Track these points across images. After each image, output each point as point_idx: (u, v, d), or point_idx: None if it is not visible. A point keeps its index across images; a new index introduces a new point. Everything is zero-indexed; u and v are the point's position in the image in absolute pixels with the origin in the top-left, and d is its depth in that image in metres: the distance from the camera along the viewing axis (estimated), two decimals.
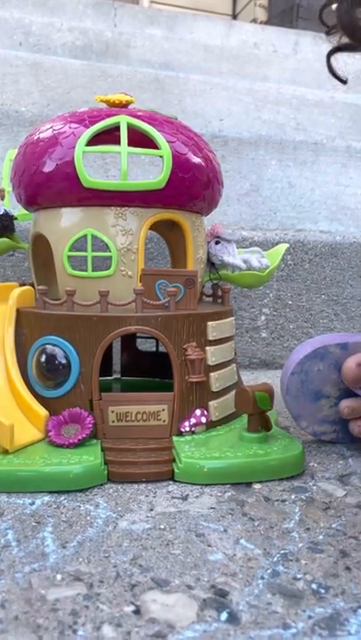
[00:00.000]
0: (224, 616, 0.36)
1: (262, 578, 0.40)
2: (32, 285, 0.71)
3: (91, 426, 0.59)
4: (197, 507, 0.50)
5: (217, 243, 0.74)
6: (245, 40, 2.24)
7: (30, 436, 0.59)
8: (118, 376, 0.85)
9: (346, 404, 0.63)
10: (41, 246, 0.70)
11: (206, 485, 0.55)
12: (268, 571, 0.41)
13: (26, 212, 0.74)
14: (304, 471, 0.59)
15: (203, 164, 0.67)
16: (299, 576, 0.41)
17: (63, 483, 0.53)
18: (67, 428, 0.59)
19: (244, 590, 0.39)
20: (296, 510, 0.51)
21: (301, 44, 2.32)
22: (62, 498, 0.51)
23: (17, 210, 0.75)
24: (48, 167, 0.64)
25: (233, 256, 0.74)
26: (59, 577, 0.39)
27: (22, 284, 0.70)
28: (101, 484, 0.54)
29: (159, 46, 1.86)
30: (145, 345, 0.86)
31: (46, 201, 0.67)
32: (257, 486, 0.55)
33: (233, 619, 0.36)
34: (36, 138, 0.66)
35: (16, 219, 0.74)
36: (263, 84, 1.80)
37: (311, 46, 2.28)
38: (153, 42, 1.86)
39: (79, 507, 0.50)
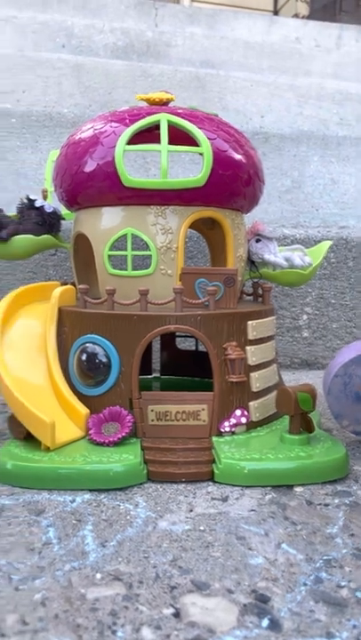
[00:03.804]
0: (265, 622, 0.35)
1: (305, 584, 0.39)
2: (73, 284, 0.72)
3: (130, 424, 0.59)
4: (238, 509, 0.50)
5: (257, 240, 0.73)
6: (287, 35, 2.20)
7: (71, 434, 0.59)
8: (158, 375, 0.84)
9: None
10: (82, 245, 0.70)
11: (246, 487, 0.54)
12: (311, 577, 0.40)
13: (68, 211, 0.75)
14: (348, 474, 0.57)
15: (244, 160, 0.66)
16: (343, 583, 0.39)
17: (103, 481, 0.53)
18: (107, 426, 0.59)
19: (286, 596, 0.38)
20: (340, 515, 0.49)
21: (344, 38, 2.26)
22: (102, 496, 0.52)
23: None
24: (89, 167, 0.64)
25: (274, 254, 0.73)
26: (98, 576, 0.39)
27: (64, 283, 0.71)
28: (141, 484, 0.54)
29: (200, 44, 1.85)
30: (184, 343, 0.86)
31: (87, 200, 0.67)
32: (299, 489, 0.54)
33: (274, 625, 0.35)
34: (77, 138, 0.67)
35: (64, 218, 0.74)
36: (305, 79, 1.76)
37: (354, 40, 2.22)
38: (193, 40, 1.85)
39: (119, 505, 0.50)
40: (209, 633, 0.34)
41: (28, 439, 0.58)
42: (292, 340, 1.03)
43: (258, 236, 0.73)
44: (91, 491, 0.52)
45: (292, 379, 0.96)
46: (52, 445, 0.56)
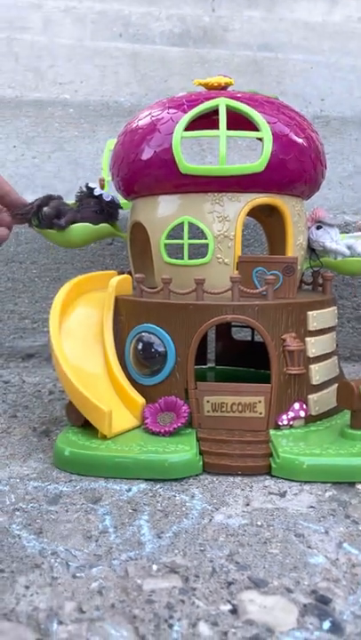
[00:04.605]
0: (326, 625, 0.34)
1: None
2: (130, 273, 0.72)
3: (186, 415, 0.58)
4: (296, 505, 0.48)
5: (318, 227, 0.71)
6: (349, 15, 2.12)
7: (127, 423, 0.59)
8: (213, 365, 0.84)
9: None
10: (139, 234, 0.70)
11: (305, 483, 0.52)
12: None
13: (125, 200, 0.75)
14: None
15: (305, 144, 0.64)
16: None
17: (159, 471, 0.53)
18: (162, 415, 0.59)
19: (349, 599, 0.36)
20: None
21: None
22: (158, 486, 0.51)
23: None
24: (146, 154, 0.63)
25: (336, 241, 0.70)
26: (155, 567, 0.39)
27: (121, 273, 0.71)
28: (196, 475, 0.54)
29: (258, 27, 1.81)
30: (240, 334, 0.84)
31: (144, 189, 0.66)
32: None
33: (336, 629, 0.33)
34: (134, 125, 0.66)
35: (121, 207, 0.74)
36: None
37: None
38: (251, 23, 1.81)
39: (175, 496, 0.50)
40: (268, 632, 0.33)
41: (86, 426, 0.58)
42: (353, 332, 1.00)
43: (319, 223, 0.70)
44: (146, 480, 0.52)
45: (353, 371, 0.93)
46: (108, 434, 0.56)
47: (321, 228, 0.70)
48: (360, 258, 0.69)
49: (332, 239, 0.70)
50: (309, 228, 0.71)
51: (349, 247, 0.69)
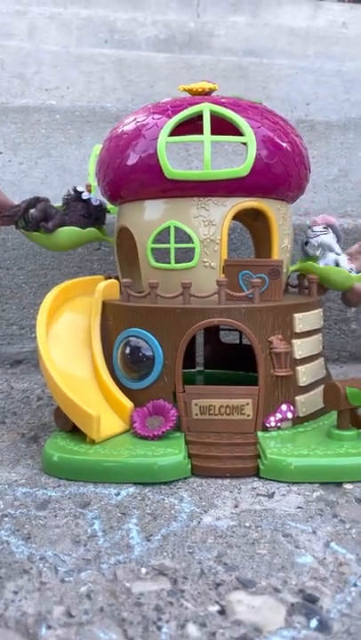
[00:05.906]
0: (314, 623, 0.34)
1: (355, 585, 0.38)
2: (117, 278, 0.72)
3: (174, 418, 0.59)
4: (284, 505, 0.49)
5: (325, 227, 0.70)
6: (333, 20, 2.14)
7: (116, 428, 0.59)
8: (201, 368, 0.84)
9: None
10: (125, 239, 0.70)
11: (293, 483, 0.53)
12: None
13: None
14: None
15: (289, 148, 0.64)
16: None
17: (148, 474, 0.53)
18: (151, 419, 0.59)
19: (336, 597, 0.36)
20: None
21: None
22: (147, 490, 0.52)
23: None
24: (131, 160, 0.64)
25: (334, 245, 0.70)
26: (143, 570, 0.39)
27: (108, 277, 0.71)
28: (185, 478, 0.54)
29: (243, 33, 1.82)
30: (228, 337, 0.85)
31: (130, 194, 0.67)
32: (348, 486, 0.52)
33: (323, 627, 0.34)
34: (119, 131, 0.67)
35: (109, 211, 0.75)
36: (353, 63, 1.71)
37: None
38: (236, 29, 1.83)
39: (163, 500, 0.50)
40: (256, 632, 0.33)
41: (74, 432, 0.58)
42: (339, 333, 1.01)
43: (327, 225, 0.70)
44: (135, 484, 0.52)
45: (340, 372, 0.93)
46: (97, 438, 0.56)
47: (327, 229, 0.70)
48: (347, 271, 0.70)
49: (332, 240, 0.70)
50: (316, 223, 0.70)
51: (336, 262, 0.70)
